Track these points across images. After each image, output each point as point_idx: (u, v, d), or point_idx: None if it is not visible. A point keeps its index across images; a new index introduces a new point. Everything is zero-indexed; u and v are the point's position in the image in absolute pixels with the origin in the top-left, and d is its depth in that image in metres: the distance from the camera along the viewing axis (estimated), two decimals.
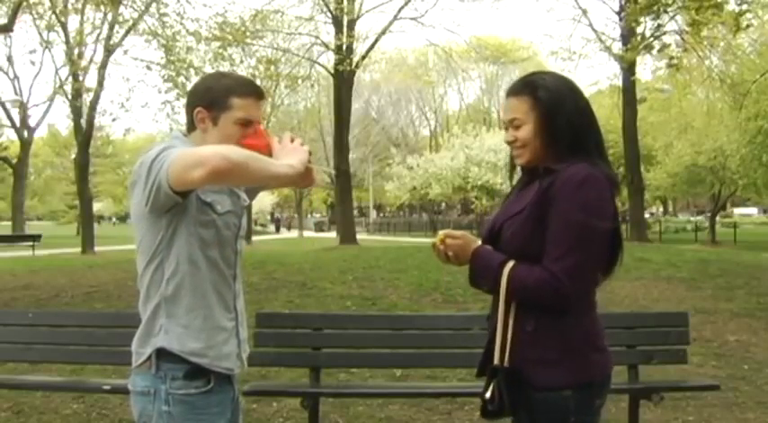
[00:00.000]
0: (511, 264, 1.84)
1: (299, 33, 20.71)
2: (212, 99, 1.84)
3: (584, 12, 19.78)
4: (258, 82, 18.95)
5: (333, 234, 35.25)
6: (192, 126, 1.89)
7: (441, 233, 1.96)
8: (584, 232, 1.77)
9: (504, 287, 1.83)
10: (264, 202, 49.92)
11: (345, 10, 18.24)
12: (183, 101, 15.88)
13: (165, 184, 1.65)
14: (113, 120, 20.12)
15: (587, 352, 1.86)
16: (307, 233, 45.30)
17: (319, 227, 51.80)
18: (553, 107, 1.88)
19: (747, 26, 12.40)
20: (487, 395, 1.83)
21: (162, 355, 1.83)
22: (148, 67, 14.35)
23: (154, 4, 13.00)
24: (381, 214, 62.27)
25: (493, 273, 1.85)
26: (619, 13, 18.22)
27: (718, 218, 35.00)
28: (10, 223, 33.69)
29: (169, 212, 1.76)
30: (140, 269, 1.93)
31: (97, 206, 48.55)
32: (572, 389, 1.80)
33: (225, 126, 1.84)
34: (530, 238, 1.83)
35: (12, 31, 12.80)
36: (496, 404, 1.81)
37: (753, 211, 59.27)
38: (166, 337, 1.84)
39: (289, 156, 1.83)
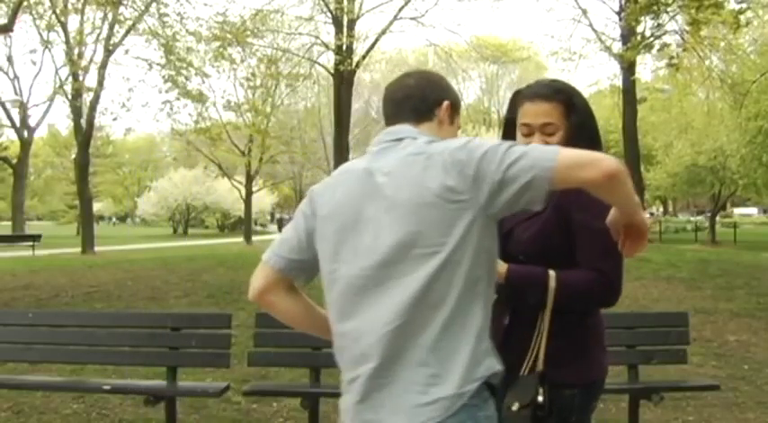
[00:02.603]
0: (552, 272, 1.84)
1: (299, 33, 20.71)
2: (456, 99, 1.73)
3: (584, 12, 19.75)
4: (258, 81, 19.04)
5: None
6: (423, 116, 1.66)
7: None
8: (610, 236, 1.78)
9: (553, 296, 1.82)
10: (265, 202, 49.91)
11: (345, 10, 18.23)
12: (184, 101, 15.95)
13: (541, 181, 1.43)
14: (114, 119, 20.15)
15: (597, 352, 1.89)
16: None
17: None
18: (586, 116, 1.92)
19: (747, 23, 12.40)
20: (540, 399, 1.78)
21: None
22: (150, 67, 14.36)
23: (154, 4, 13.01)
24: None
25: (540, 285, 1.84)
26: (619, 13, 18.21)
27: (718, 218, 34.98)
28: (10, 223, 33.69)
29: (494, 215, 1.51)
30: (447, 283, 1.47)
31: (97, 206, 48.57)
32: (578, 387, 1.82)
33: (455, 128, 1.73)
34: (550, 239, 1.85)
35: (12, 31, 12.81)
36: (546, 409, 1.78)
37: (753, 211, 59.27)
38: (492, 360, 1.53)
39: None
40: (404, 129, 1.63)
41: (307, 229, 1.64)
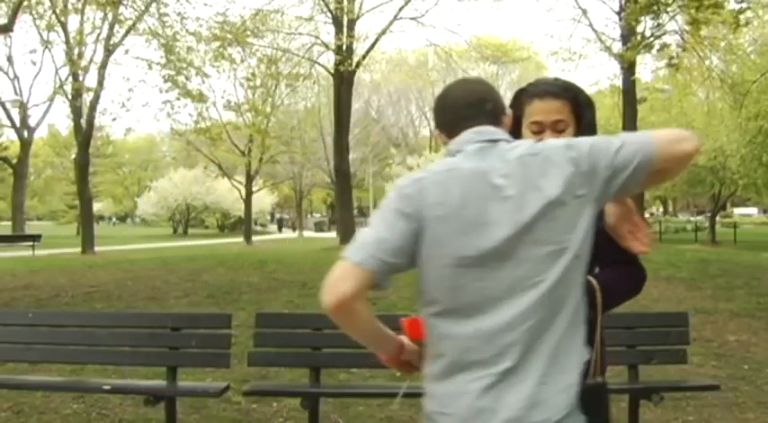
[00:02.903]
0: (594, 281, 1.83)
1: (299, 33, 20.73)
2: None
3: (584, 12, 19.76)
4: (258, 81, 19.11)
5: (333, 234, 35.25)
6: (496, 120, 1.70)
7: None
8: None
9: (601, 304, 1.83)
10: (265, 202, 49.92)
11: (345, 10, 18.24)
12: (184, 101, 15.95)
13: (646, 163, 1.53)
14: (113, 119, 20.19)
15: (603, 349, 1.90)
16: (307, 233, 45.34)
17: (319, 227, 51.85)
18: (593, 113, 1.98)
19: (747, 23, 12.41)
20: (613, 411, 1.81)
21: None
22: (150, 67, 14.35)
23: (154, 4, 13.00)
24: None
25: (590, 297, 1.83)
26: (619, 13, 18.21)
27: (718, 218, 34.97)
28: (10, 223, 33.69)
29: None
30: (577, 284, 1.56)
31: (97, 206, 48.58)
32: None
33: None
34: None
35: (12, 31, 12.81)
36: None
37: (753, 211, 59.24)
38: (586, 349, 1.62)
39: None
40: (492, 130, 1.64)
41: (409, 230, 1.53)
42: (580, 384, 1.53)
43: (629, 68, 17.85)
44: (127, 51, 16.27)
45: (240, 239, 33.41)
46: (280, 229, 53.74)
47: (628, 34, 15.94)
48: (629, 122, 19.89)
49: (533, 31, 60.95)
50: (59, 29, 16.55)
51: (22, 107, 30.09)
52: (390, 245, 1.52)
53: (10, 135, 34.41)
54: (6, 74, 31.36)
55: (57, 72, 24.96)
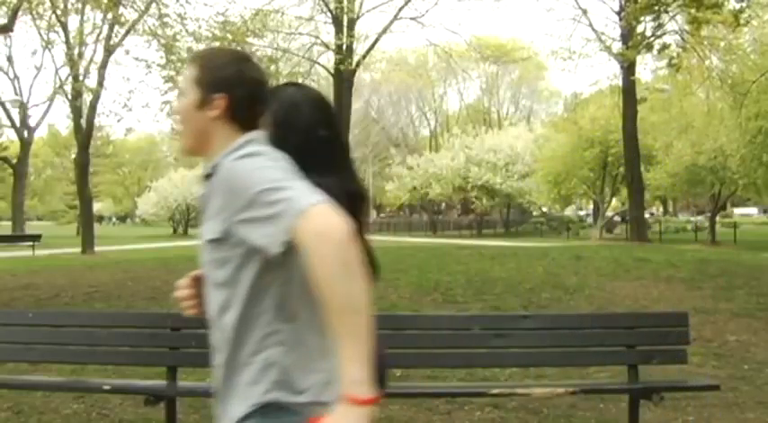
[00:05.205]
0: None
1: (299, 33, 20.76)
2: None
3: (584, 12, 19.82)
4: None
5: None
6: None
7: None
8: None
9: None
10: None
11: (345, 9, 18.25)
12: None
13: None
14: (119, 120, 20.13)
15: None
16: None
17: None
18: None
19: (747, 23, 12.42)
20: None
21: None
22: (149, 69, 14.33)
23: (154, 5, 12.98)
24: (381, 214, 62.27)
25: None
26: (619, 13, 18.25)
27: (718, 218, 34.93)
28: (10, 223, 33.71)
29: None
30: None
31: (97, 206, 48.59)
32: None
33: None
34: None
35: (12, 31, 12.80)
36: None
37: (753, 211, 59.23)
38: None
39: None
40: None
41: None
42: None
43: (629, 68, 17.90)
44: (127, 52, 16.23)
45: None
46: None
47: (628, 34, 15.95)
48: (630, 122, 19.93)
49: (533, 30, 61.11)
50: (59, 29, 16.54)
51: (22, 107, 30.12)
52: None
53: (10, 135, 34.50)
54: (6, 74, 31.47)
55: (57, 72, 25.01)
